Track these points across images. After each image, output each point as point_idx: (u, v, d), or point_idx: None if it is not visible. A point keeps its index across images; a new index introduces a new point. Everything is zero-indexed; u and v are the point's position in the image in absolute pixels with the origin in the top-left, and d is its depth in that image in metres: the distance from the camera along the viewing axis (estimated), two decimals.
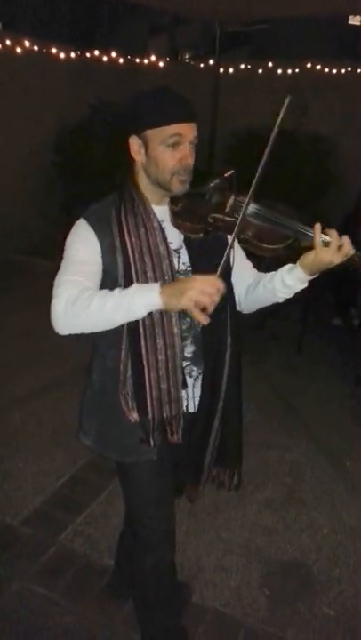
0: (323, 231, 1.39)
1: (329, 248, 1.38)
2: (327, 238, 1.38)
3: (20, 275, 5.91)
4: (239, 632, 2.05)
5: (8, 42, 6.06)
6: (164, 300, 1.32)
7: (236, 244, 1.56)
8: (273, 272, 1.61)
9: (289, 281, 1.52)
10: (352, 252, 1.39)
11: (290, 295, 1.58)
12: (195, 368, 1.61)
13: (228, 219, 1.45)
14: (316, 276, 1.49)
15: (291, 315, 4.68)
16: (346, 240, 1.39)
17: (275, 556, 2.42)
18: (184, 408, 1.60)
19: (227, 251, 1.38)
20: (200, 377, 1.61)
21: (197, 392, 1.62)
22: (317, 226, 1.39)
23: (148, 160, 1.48)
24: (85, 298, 1.36)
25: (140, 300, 1.33)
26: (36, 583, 2.19)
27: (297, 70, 7.15)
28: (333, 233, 1.38)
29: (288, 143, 6.16)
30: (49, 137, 6.39)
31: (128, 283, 1.45)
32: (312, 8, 5.39)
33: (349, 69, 7.01)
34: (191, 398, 1.63)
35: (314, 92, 6.55)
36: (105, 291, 1.39)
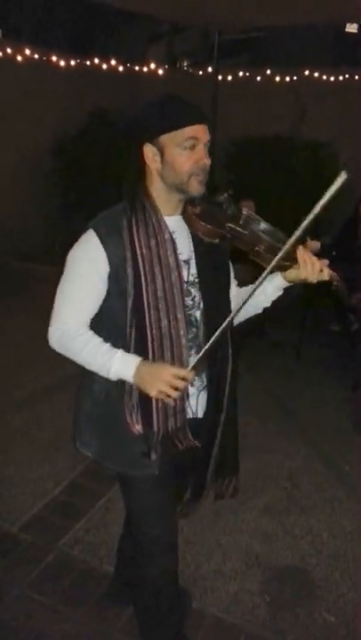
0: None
1: (306, 267, 1.50)
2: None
3: (20, 279, 5.93)
4: (239, 638, 2.04)
5: (9, 50, 6.11)
6: (136, 382, 1.45)
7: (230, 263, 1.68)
8: (251, 285, 1.65)
9: (268, 288, 1.63)
10: (325, 274, 1.52)
11: (268, 304, 1.68)
12: (197, 378, 1.61)
13: (241, 230, 1.50)
14: (291, 284, 1.61)
15: (289, 321, 4.69)
16: (321, 263, 1.51)
17: (274, 562, 2.42)
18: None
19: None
20: (204, 387, 1.62)
21: (200, 400, 1.63)
22: (301, 247, 1.51)
23: (164, 166, 1.48)
24: (77, 345, 1.49)
25: (117, 372, 1.47)
26: (34, 590, 2.18)
27: (295, 77, 7.19)
28: (311, 255, 1.50)
29: (286, 150, 6.20)
30: (49, 143, 6.44)
31: (137, 292, 1.47)
32: (309, 16, 5.43)
33: (347, 76, 7.06)
34: (193, 406, 1.63)
35: (312, 98, 6.60)
36: (96, 344, 1.50)
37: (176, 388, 1.41)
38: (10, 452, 3.09)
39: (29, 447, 3.14)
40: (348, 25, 6.78)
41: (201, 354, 1.45)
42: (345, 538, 2.58)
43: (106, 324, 1.54)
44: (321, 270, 1.51)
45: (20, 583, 2.20)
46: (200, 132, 1.47)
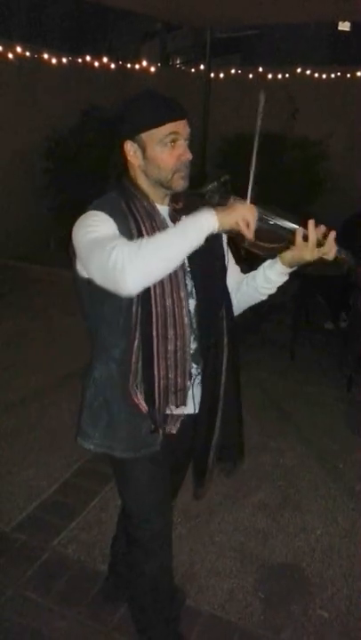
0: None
1: (307, 244, 1.43)
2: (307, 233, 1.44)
3: (12, 280, 5.90)
4: (233, 635, 2.05)
5: (0, 47, 6.07)
6: (220, 218, 1.36)
7: (228, 249, 1.63)
8: (254, 271, 1.67)
9: (271, 275, 1.60)
10: (333, 251, 1.44)
11: (272, 291, 1.65)
12: (195, 365, 1.61)
13: None
14: (295, 268, 1.55)
15: (283, 319, 4.70)
16: (328, 237, 1.43)
17: (269, 559, 2.42)
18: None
19: (249, 189, 1.41)
20: (199, 376, 1.62)
21: (196, 391, 1.62)
22: (301, 226, 1.44)
23: (146, 162, 1.49)
24: (144, 242, 1.34)
25: (203, 222, 1.36)
26: (29, 589, 2.18)
27: (287, 75, 7.21)
28: (312, 229, 1.42)
29: (278, 148, 6.21)
30: (40, 142, 6.40)
31: None
32: (302, 14, 5.44)
33: (339, 74, 7.09)
34: (191, 398, 1.62)
35: (304, 96, 6.61)
36: (158, 234, 1.40)
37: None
38: (3, 452, 3.08)
39: (23, 447, 3.13)
40: (340, 23, 6.82)
41: (250, 183, 1.43)
42: (339, 535, 2.59)
43: (110, 304, 1.50)
44: (320, 244, 1.43)
45: (15, 583, 2.20)
46: (180, 127, 1.47)
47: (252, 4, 4.82)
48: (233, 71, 7.60)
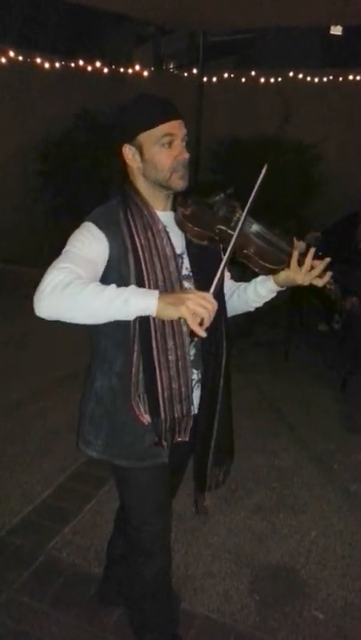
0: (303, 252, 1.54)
1: (301, 269, 1.51)
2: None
3: (5, 283, 5.89)
4: (229, 637, 2.04)
5: None
6: (160, 306, 1.28)
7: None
8: (246, 283, 1.72)
9: (262, 291, 1.66)
10: (323, 280, 1.53)
11: (260, 304, 1.72)
12: (195, 371, 1.61)
13: (231, 232, 1.49)
14: (283, 288, 1.64)
15: (277, 321, 4.72)
16: (317, 264, 1.52)
17: (264, 561, 2.42)
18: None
19: (221, 267, 1.39)
20: (199, 381, 1.62)
21: (196, 393, 1.63)
22: (296, 250, 1.52)
23: (144, 164, 1.51)
24: (79, 284, 1.30)
25: (137, 302, 1.29)
26: (24, 593, 2.17)
27: (280, 79, 7.25)
28: (310, 256, 1.51)
29: (271, 151, 6.23)
30: (34, 146, 6.40)
31: (140, 282, 1.46)
32: (294, 18, 5.47)
33: (331, 78, 7.13)
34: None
35: (297, 100, 6.64)
36: (100, 284, 1.34)
37: (205, 308, 1.26)
38: None
39: (17, 451, 3.12)
40: (332, 27, 6.85)
41: (224, 260, 1.39)
42: (334, 536, 2.59)
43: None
44: (311, 269, 1.51)
45: (9, 587, 2.19)
46: (175, 127, 1.48)
47: (247, 7, 4.85)
48: (226, 75, 7.63)
